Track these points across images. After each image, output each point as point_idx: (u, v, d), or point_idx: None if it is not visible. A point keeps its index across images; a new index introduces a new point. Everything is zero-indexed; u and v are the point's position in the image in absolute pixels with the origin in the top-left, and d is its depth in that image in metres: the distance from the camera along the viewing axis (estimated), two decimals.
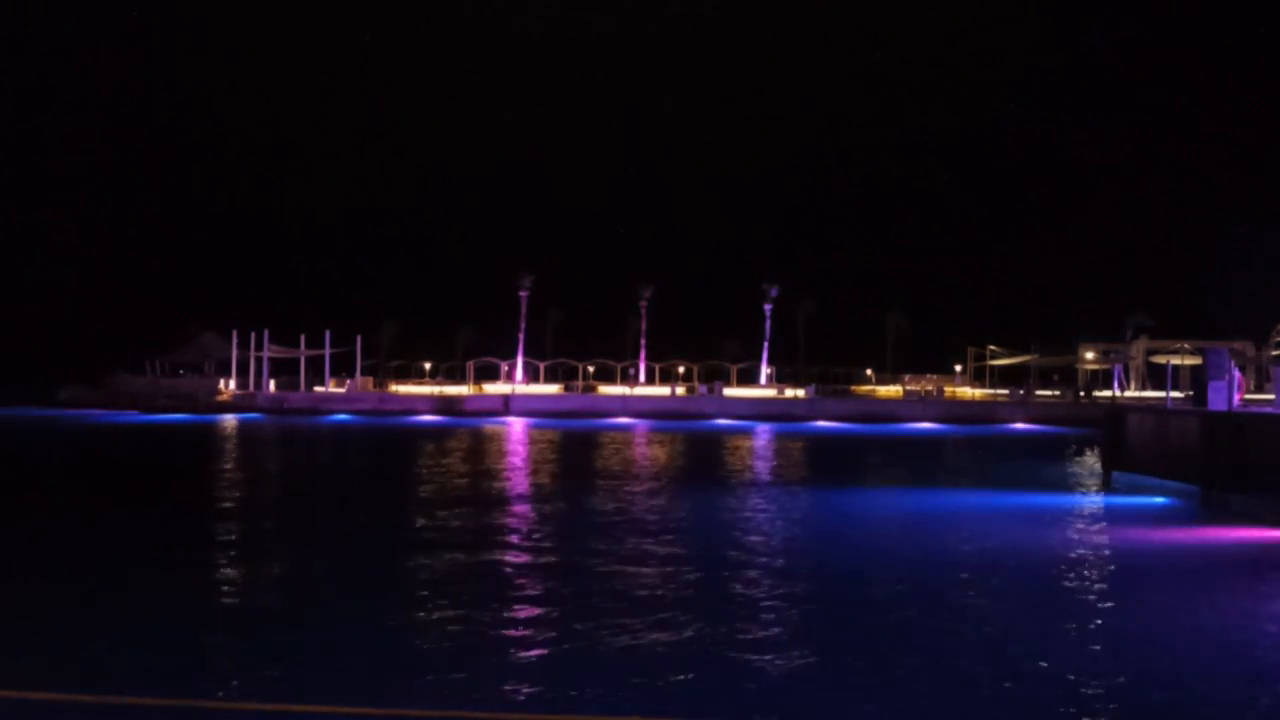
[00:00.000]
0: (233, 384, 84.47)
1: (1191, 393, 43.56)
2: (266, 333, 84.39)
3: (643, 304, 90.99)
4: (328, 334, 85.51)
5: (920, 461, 45.35)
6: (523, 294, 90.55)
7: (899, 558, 21.29)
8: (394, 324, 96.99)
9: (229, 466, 40.39)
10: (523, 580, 18.57)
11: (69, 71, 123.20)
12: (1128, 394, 79.14)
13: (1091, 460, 43.50)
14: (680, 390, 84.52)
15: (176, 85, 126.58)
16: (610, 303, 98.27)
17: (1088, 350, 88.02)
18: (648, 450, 48.54)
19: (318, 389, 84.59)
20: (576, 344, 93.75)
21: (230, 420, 71.10)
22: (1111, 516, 27.96)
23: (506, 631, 14.96)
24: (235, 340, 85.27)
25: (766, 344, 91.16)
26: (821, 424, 71.42)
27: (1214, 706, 12.17)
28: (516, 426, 66.32)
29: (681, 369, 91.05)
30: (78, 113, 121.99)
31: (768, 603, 16.91)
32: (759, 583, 18.38)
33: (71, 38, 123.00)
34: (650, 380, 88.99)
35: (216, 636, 14.78)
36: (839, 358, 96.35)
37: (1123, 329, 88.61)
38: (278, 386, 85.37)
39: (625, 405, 78.20)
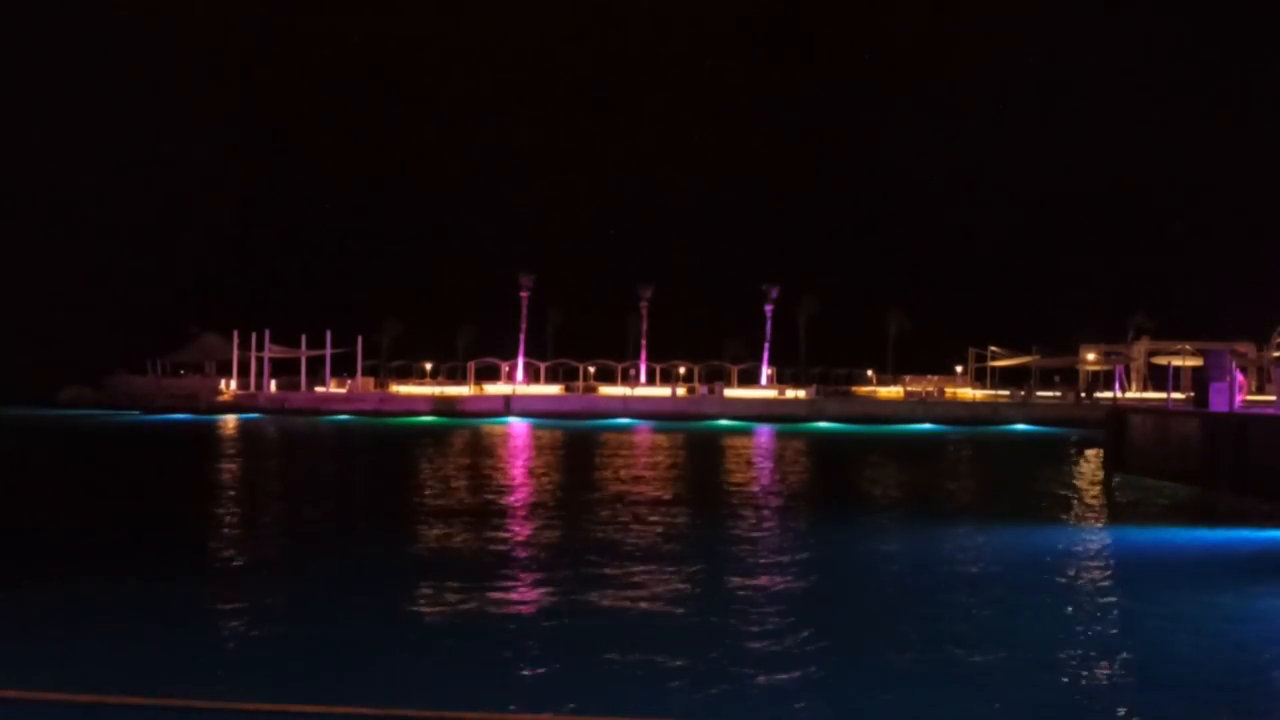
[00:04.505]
0: (234, 384, 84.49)
1: (1193, 394, 43.53)
2: (267, 333, 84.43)
3: (643, 304, 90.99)
4: (328, 334, 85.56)
5: (920, 463, 45.30)
6: (523, 294, 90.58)
7: (896, 560, 21.28)
8: (394, 324, 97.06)
9: (230, 466, 40.37)
10: (523, 581, 18.55)
11: (66, 70, 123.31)
12: (1129, 395, 79.10)
13: (1092, 461, 43.47)
14: (681, 391, 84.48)
15: (174, 83, 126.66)
16: (610, 303, 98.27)
17: (1089, 351, 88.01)
18: (648, 451, 48.51)
19: (319, 389, 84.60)
20: (577, 344, 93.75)
21: (231, 420, 71.11)
22: (1112, 517, 27.93)
23: (507, 631, 14.93)
24: (236, 340, 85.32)
25: (767, 345, 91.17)
26: (822, 425, 71.41)
27: (1215, 706, 12.15)
28: (517, 427, 66.33)
29: (682, 370, 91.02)
30: (76, 112, 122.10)
31: (767, 606, 16.89)
32: (758, 583, 18.37)
33: (68, 36, 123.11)
34: (651, 381, 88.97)
35: (216, 636, 14.75)
36: (840, 358, 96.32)
37: (1124, 330, 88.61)
38: (279, 387, 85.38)
39: (626, 406, 78.17)
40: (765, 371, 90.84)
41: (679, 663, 13.35)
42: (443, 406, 77.70)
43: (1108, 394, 74.16)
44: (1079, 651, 14.24)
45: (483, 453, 46.69)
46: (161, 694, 11.34)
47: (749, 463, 43.63)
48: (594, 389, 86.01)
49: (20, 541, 22.37)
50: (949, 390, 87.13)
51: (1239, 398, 33.83)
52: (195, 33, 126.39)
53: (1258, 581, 19.12)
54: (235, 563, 20.25)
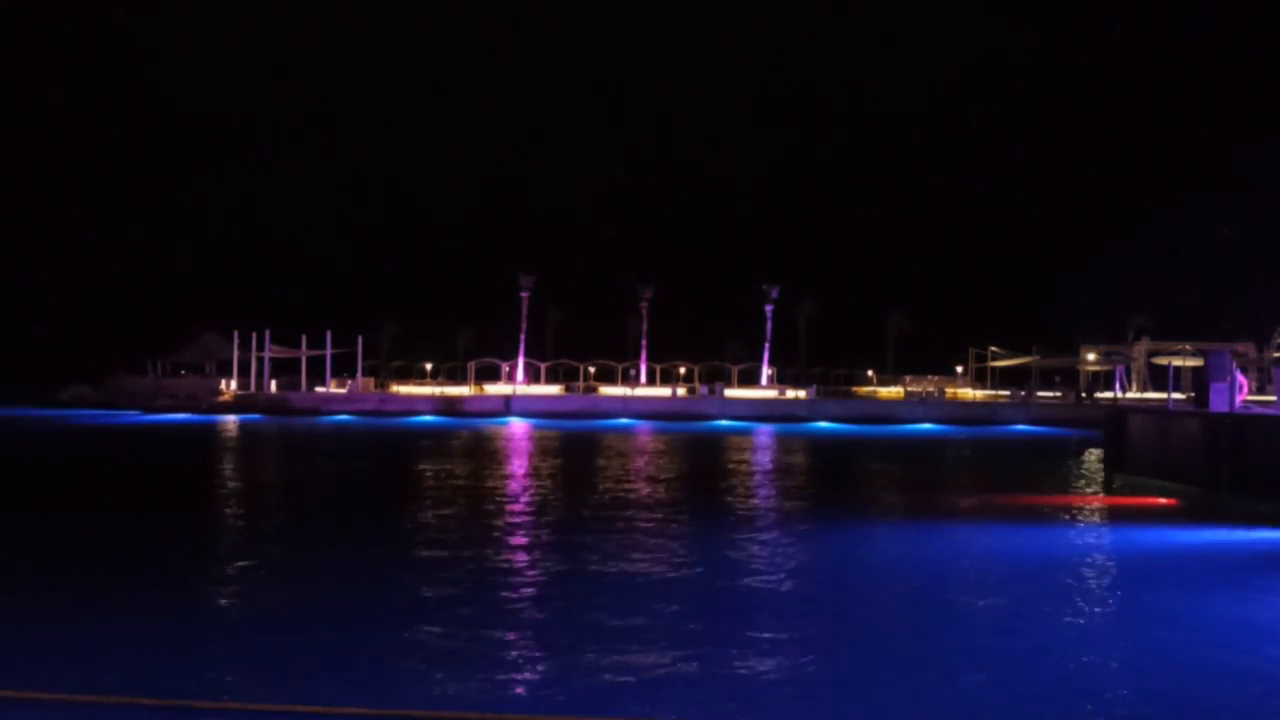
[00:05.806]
0: (234, 384, 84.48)
1: (1193, 394, 43.52)
2: (268, 333, 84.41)
3: (643, 304, 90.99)
4: (329, 334, 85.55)
5: (920, 464, 45.29)
6: (523, 294, 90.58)
7: (895, 560, 21.27)
8: (394, 324, 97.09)
9: (230, 467, 40.38)
10: (523, 581, 18.55)
11: (66, 73, 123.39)
12: (1129, 395, 79.07)
13: (1093, 461, 43.47)
14: (681, 391, 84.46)
15: (174, 84, 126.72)
16: (611, 303, 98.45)
17: (1089, 351, 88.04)
18: (649, 452, 48.51)
19: (319, 389, 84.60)
20: (577, 345, 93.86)
21: (231, 420, 71.10)
22: (1113, 518, 27.93)
23: (507, 631, 14.94)
24: (236, 340, 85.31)
25: (767, 345, 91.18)
26: (822, 425, 71.40)
27: (1217, 708, 12.14)
28: (517, 427, 66.32)
29: (682, 370, 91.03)
30: (76, 113, 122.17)
31: (767, 607, 16.89)
32: (758, 584, 18.37)
33: (68, 38, 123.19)
34: (651, 381, 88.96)
35: (216, 636, 14.74)
36: (840, 358, 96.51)
37: (1124, 330, 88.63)
38: (279, 387, 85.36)
39: (626, 406, 78.16)
40: (765, 371, 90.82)
41: (679, 663, 13.35)
42: (443, 407, 77.69)
43: (1108, 394, 74.21)
44: (1077, 651, 14.24)
45: (483, 453, 46.68)
46: (161, 694, 11.35)
47: (749, 463, 43.63)
48: (594, 389, 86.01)
49: (20, 542, 22.36)
50: (949, 390, 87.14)
51: (1239, 398, 33.78)
52: (192, 30, 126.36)
53: (1257, 581, 19.12)
54: (235, 563, 20.23)
